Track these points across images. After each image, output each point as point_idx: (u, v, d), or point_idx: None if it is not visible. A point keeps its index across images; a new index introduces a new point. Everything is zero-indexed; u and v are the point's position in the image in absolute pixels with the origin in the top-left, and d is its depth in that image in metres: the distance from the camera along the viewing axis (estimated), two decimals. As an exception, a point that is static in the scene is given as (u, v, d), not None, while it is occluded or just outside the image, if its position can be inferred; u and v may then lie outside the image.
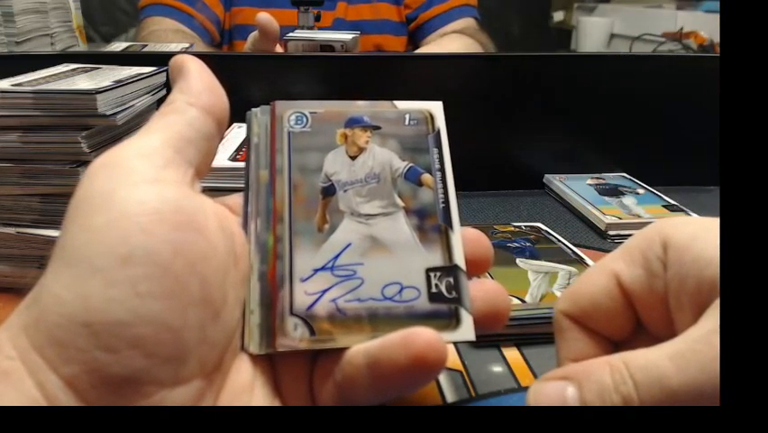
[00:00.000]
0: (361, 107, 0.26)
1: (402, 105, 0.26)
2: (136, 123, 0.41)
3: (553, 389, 0.20)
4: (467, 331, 0.22)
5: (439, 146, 0.25)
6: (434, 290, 0.23)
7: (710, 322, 0.19)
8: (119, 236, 0.18)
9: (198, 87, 0.23)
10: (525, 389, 0.29)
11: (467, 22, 0.98)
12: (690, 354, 0.19)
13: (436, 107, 0.26)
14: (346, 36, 0.63)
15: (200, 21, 0.91)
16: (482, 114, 0.58)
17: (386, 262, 0.23)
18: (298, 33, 0.64)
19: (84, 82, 0.38)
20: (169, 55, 0.24)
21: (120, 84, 0.38)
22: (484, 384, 0.30)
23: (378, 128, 0.25)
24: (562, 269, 0.39)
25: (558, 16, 2.01)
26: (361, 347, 0.21)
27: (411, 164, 0.25)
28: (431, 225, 0.24)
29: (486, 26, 1.00)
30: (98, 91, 0.35)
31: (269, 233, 0.23)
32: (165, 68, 0.45)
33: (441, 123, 0.26)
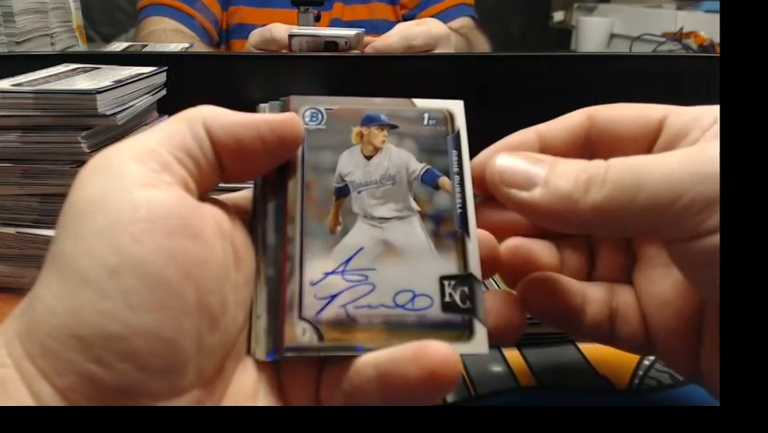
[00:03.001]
0: (378, 105, 0.25)
1: (421, 103, 0.25)
2: (136, 123, 0.41)
3: (521, 158, 0.21)
4: (480, 344, 0.21)
5: (458, 148, 0.24)
6: (447, 299, 0.22)
7: (705, 143, 0.20)
8: (109, 246, 0.18)
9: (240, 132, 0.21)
10: (526, 389, 0.29)
11: (463, 21, 0.98)
12: (673, 153, 0.19)
13: (457, 106, 0.25)
14: (350, 32, 0.62)
15: (199, 21, 0.91)
16: (482, 114, 0.57)
17: (399, 268, 0.22)
18: (303, 30, 0.64)
19: (84, 82, 0.38)
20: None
21: (120, 84, 0.38)
22: (484, 384, 0.30)
23: (395, 127, 0.24)
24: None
25: (558, 16, 2.01)
26: (370, 358, 0.20)
27: (428, 166, 0.24)
28: (447, 230, 0.23)
29: (486, 26, 1.00)
30: (98, 91, 0.35)
31: (278, 234, 0.22)
32: (165, 68, 0.45)
33: (461, 123, 0.25)
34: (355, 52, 0.64)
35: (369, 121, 0.24)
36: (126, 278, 0.18)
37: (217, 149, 0.21)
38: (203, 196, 0.21)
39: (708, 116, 0.22)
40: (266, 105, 0.24)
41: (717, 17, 1.35)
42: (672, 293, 0.24)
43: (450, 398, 0.29)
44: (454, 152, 0.24)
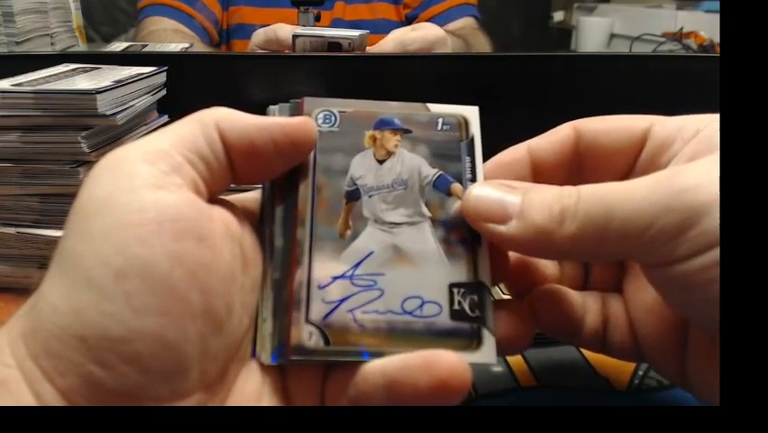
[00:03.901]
0: (392, 108, 0.24)
1: (435, 108, 0.25)
2: (136, 123, 0.41)
3: (495, 189, 0.21)
4: (488, 353, 0.21)
5: (472, 154, 0.24)
6: (456, 307, 0.21)
7: (675, 166, 0.19)
8: (115, 247, 0.18)
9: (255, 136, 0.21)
10: (526, 389, 0.29)
11: (466, 21, 0.98)
12: (642, 181, 0.19)
13: (471, 113, 0.25)
14: (354, 33, 0.62)
15: (199, 21, 0.91)
16: (482, 114, 0.57)
17: (408, 274, 0.22)
18: (307, 30, 0.64)
19: (84, 82, 0.38)
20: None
21: (120, 84, 0.38)
22: (484, 384, 0.30)
23: (408, 132, 0.24)
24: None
25: (558, 16, 2.01)
26: (377, 364, 0.20)
27: (441, 172, 0.24)
28: (457, 237, 0.23)
29: (486, 26, 1.00)
30: (98, 91, 0.35)
31: (287, 237, 0.22)
32: (165, 68, 0.45)
33: (476, 129, 0.25)
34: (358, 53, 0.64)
35: (382, 125, 0.24)
36: (131, 280, 0.17)
37: (229, 151, 0.21)
38: (213, 198, 0.21)
39: (691, 127, 0.22)
40: (275, 107, 0.24)
41: (717, 17, 1.35)
42: (658, 301, 0.24)
43: (450, 398, 0.29)
44: (468, 159, 0.24)
